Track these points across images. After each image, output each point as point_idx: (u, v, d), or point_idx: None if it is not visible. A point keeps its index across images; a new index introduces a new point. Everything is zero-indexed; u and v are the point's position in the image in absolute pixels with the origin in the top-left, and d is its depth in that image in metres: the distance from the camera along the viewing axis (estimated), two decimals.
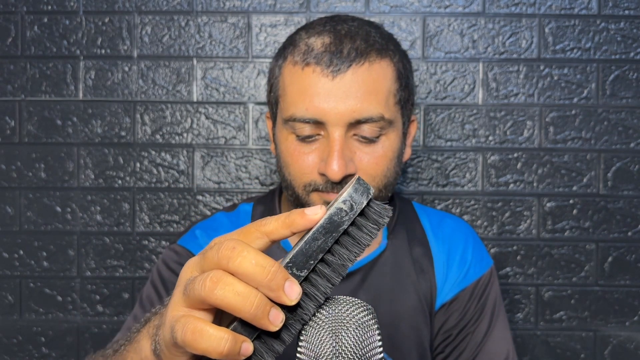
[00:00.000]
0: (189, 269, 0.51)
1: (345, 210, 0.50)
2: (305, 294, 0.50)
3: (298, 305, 0.50)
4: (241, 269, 0.47)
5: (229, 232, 0.53)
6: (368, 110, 0.84)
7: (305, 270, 0.50)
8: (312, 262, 0.50)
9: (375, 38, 0.87)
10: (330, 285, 0.51)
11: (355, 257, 0.51)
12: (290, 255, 0.50)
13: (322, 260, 0.51)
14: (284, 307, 0.49)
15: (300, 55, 0.86)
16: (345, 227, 0.50)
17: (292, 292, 0.48)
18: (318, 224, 0.50)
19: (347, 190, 0.51)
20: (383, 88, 0.86)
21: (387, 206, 0.52)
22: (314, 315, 0.52)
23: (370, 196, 0.51)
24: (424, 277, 0.96)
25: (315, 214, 0.50)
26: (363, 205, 0.50)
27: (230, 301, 0.47)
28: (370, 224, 0.51)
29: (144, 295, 0.97)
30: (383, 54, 0.87)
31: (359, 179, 0.52)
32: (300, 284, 0.50)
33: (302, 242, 0.50)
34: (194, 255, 0.94)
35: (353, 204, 0.50)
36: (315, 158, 0.86)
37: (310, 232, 0.50)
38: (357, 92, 0.84)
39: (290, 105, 0.87)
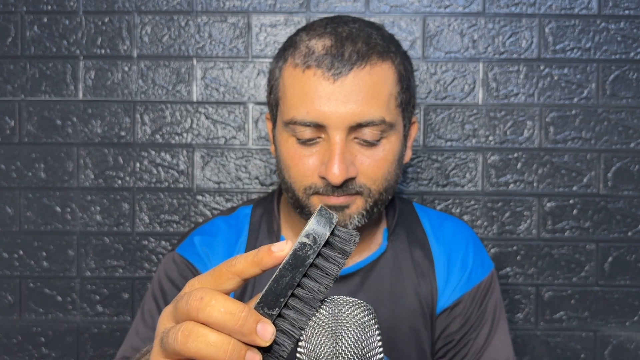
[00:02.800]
0: (165, 318, 0.52)
1: (309, 244, 0.50)
2: (280, 330, 0.50)
3: (274, 342, 0.50)
4: (211, 319, 0.47)
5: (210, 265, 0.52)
6: (369, 114, 0.84)
7: (277, 309, 0.50)
8: (282, 299, 0.50)
9: (376, 40, 0.87)
10: (305, 319, 0.51)
11: (327, 288, 0.51)
12: (260, 295, 0.50)
13: (294, 295, 0.51)
14: (261, 347, 0.49)
15: (301, 58, 0.86)
16: (311, 261, 0.50)
17: (266, 334, 0.48)
18: (284, 261, 0.50)
19: (310, 223, 0.50)
20: (384, 91, 0.86)
21: (353, 232, 0.52)
22: (294, 344, 0.52)
23: (333, 225, 0.51)
24: (425, 279, 0.96)
25: (282, 250, 0.50)
26: (326, 237, 0.50)
27: (204, 353, 0.47)
28: (337, 255, 0.51)
29: (145, 308, 0.97)
30: (384, 56, 0.87)
31: (320, 209, 0.51)
32: (274, 321, 0.50)
33: (270, 281, 0.50)
34: (192, 265, 0.95)
35: (316, 236, 0.50)
36: (315, 161, 0.86)
37: (278, 270, 0.50)
38: (358, 95, 0.84)
39: (290, 108, 0.86)
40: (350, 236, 0.52)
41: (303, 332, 0.52)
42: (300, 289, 0.51)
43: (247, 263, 0.50)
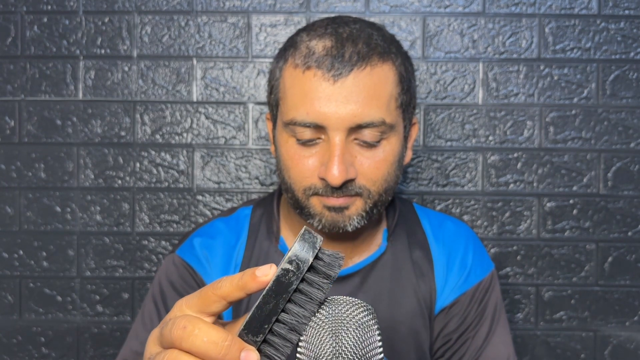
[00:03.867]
0: (152, 342, 0.53)
1: (292, 271, 0.49)
2: (265, 356, 0.50)
3: None
4: (194, 348, 0.48)
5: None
6: (369, 115, 0.84)
7: (261, 335, 0.50)
8: (266, 325, 0.49)
9: (377, 41, 0.87)
10: (290, 345, 0.51)
11: (313, 313, 0.51)
12: (244, 321, 0.50)
13: (278, 320, 0.50)
14: None
15: (302, 58, 0.86)
16: (294, 287, 0.49)
17: None
18: (267, 287, 0.49)
19: (293, 247, 0.50)
20: (384, 92, 0.85)
21: (338, 254, 0.51)
22: None
23: (316, 250, 0.50)
24: (424, 280, 0.96)
25: (266, 275, 0.50)
26: (309, 263, 0.49)
27: None
28: (321, 280, 0.50)
29: (145, 311, 0.97)
30: (385, 57, 0.86)
31: (304, 232, 0.51)
32: (259, 347, 0.49)
33: (254, 307, 0.50)
34: (191, 268, 0.95)
35: (299, 263, 0.49)
36: (315, 162, 0.86)
37: (261, 296, 0.50)
38: (359, 96, 0.83)
39: (290, 108, 0.86)
40: (334, 259, 0.51)
41: (289, 352, 0.51)
42: (285, 314, 0.50)
43: (231, 287, 0.50)
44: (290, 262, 0.49)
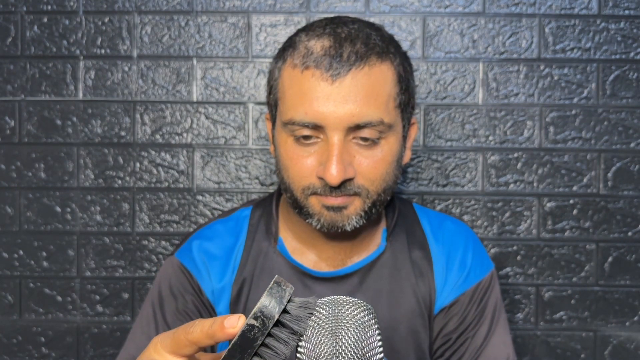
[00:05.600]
0: None
1: (257, 327, 0.49)
2: None
3: None
4: None
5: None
6: (367, 115, 0.84)
7: None
8: None
9: (375, 41, 0.87)
10: None
11: None
12: None
13: None
14: None
15: (300, 58, 0.86)
16: (259, 343, 0.49)
17: None
18: (233, 340, 0.49)
19: (260, 301, 0.49)
20: (383, 92, 0.86)
21: (309, 303, 0.51)
22: None
23: (283, 305, 0.50)
24: (423, 280, 0.96)
25: (233, 327, 0.50)
26: (275, 319, 0.49)
27: None
28: (288, 335, 0.50)
29: (143, 314, 0.97)
30: (383, 57, 0.87)
31: (272, 286, 0.50)
32: None
33: (222, 358, 0.50)
34: (189, 273, 0.96)
35: (264, 319, 0.49)
36: (314, 161, 0.86)
37: (227, 350, 0.49)
38: (357, 96, 0.83)
39: (289, 108, 0.86)
40: (305, 310, 0.51)
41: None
42: None
43: (201, 334, 0.51)
44: (255, 317, 0.49)
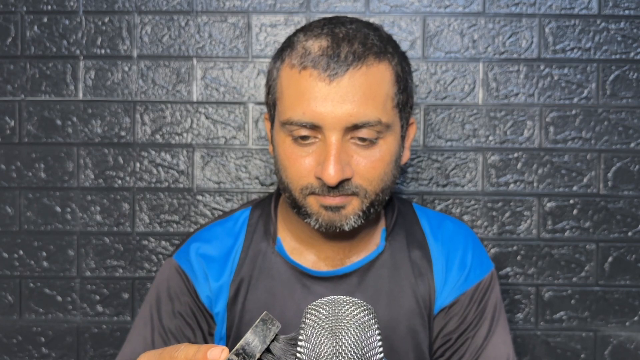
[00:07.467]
0: None
1: None
2: None
3: None
4: None
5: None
6: (365, 115, 0.84)
7: None
8: None
9: (373, 41, 0.87)
10: None
11: None
12: None
13: None
14: None
15: (298, 58, 0.86)
16: None
17: None
18: None
19: (243, 338, 0.49)
20: (381, 92, 0.86)
21: (293, 341, 0.51)
22: None
23: (266, 345, 0.50)
24: (423, 280, 0.96)
25: (216, 359, 0.50)
26: (256, 358, 0.49)
27: None
28: None
29: (141, 315, 0.98)
30: (381, 57, 0.87)
31: (257, 323, 0.50)
32: None
33: None
34: (185, 276, 0.96)
35: (246, 356, 0.49)
36: (312, 161, 0.86)
37: None
38: (354, 96, 0.84)
39: (287, 108, 0.87)
40: (288, 350, 0.51)
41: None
42: None
43: None
44: (237, 354, 0.49)
